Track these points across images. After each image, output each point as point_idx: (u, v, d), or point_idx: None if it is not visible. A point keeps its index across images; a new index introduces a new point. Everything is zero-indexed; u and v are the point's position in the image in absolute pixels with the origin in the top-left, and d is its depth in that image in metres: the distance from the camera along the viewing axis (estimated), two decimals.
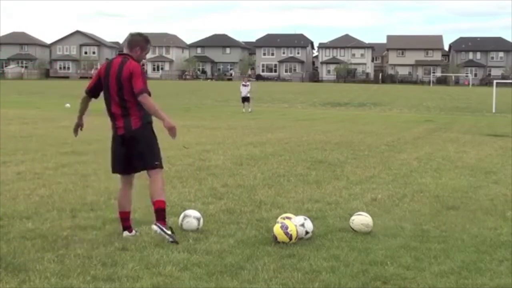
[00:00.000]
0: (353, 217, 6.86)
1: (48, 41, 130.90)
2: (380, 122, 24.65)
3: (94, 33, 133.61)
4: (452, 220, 7.41)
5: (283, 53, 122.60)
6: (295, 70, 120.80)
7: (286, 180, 10.08)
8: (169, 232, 6.11)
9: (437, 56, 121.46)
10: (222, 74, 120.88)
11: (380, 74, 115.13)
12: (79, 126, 6.57)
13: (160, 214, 6.24)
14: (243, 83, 31.87)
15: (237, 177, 10.18)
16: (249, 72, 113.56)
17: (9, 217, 7.05)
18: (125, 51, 6.37)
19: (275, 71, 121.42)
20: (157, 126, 6.36)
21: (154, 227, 6.17)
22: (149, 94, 6.10)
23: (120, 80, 6.12)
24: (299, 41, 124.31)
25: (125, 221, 6.44)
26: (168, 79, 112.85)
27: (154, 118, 6.26)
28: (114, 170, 6.48)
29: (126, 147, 6.24)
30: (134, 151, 6.22)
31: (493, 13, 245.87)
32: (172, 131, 6.20)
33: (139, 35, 6.42)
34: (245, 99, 30.81)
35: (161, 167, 6.36)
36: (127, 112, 6.15)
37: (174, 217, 7.12)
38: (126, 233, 6.37)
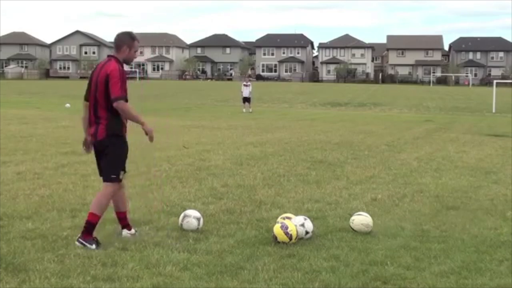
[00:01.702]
0: (353, 217, 6.86)
1: (48, 41, 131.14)
2: (380, 122, 24.64)
3: (94, 33, 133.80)
4: (452, 220, 7.41)
5: (283, 53, 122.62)
6: (295, 70, 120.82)
7: (286, 180, 10.08)
8: (93, 247, 5.83)
9: (437, 56, 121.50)
10: (222, 74, 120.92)
11: (380, 74, 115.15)
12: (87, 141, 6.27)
13: (88, 227, 5.96)
14: (244, 83, 31.82)
15: (237, 177, 10.18)
16: (249, 72, 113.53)
17: (9, 217, 7.05)
18: (113, 52, 6.19)
19: (275, 71, 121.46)
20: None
21: (77, 243, 5.91)
22: (126, 100, 5.91)
23: (96, 82, 5.96)
24: (299, 41, 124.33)
25: (121, 221, 6.40)
26: (168, 79, 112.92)
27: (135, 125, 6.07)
28: (99, 173, 6.33)
29: (96, 153, 6.17)
30: (100, 159, 6.14)
31: (493, 13, 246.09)
32: (150, 134, 6.13)
33: (124, 33, 6.22)
34: (246, 99, 30.78)
35: (117, 180, 6.06)
36: (97, 120, 5.99)
37: (174, 217, 7.13)
38: (125, 231, 6.35)
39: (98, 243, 5.93)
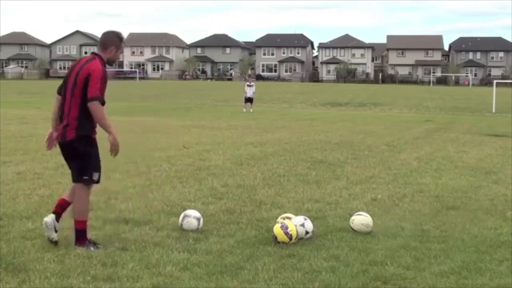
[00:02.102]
0: (353, 217, 6.86)
1: (48, 41, 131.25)
2: (380, 122, 24.64)
3: (94, 33, 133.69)
4: (452, 220, 7.41)
5: (283, 53, 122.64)
6: (295, 70, 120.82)
7: (286, 180, 10.08)
8: (92, 249, 5.80)
9: (437, 56, 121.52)
10: (222, 74, 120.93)
11: (380, 74, 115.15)
12: None
13: (79, 234, 5.90)
14: (248, 83, 31.76)
15: (237, 177, 10.17)
16: (249, 72, 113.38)
17: (9, 217, 7.05)
18: (97, 51, 5.99)
19: (275, 71, 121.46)
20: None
21: (77, 250, 5.79)
22: (103, 103, 5.73)
23: (76, 78, 5.76)
24: (299, 41, 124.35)
25: (57, 207, 6.02)
26: (168, 79, 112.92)
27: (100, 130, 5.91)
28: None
29: (64, 154, 6.00)
30: (69, 160, 5.97)
31: (493, 13, 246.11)
32: (114, 147, 5.76)
33: (113, 32, 6.06)
34: (249, 100, 30.73)
35: (90, 182, 5.90)
36: (68, 118, 5.79)
37: (174, 217, 7.13)
38: (51, 216, 5.92)
39: (95, 244, 5.90)
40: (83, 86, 5.72)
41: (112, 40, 5.98)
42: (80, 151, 5.83)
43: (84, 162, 5.87)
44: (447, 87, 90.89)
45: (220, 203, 8.11)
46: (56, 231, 5.95)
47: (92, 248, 5.82)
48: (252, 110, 29.90)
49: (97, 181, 5.98)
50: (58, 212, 6.02)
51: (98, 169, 5.94)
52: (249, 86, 31.31)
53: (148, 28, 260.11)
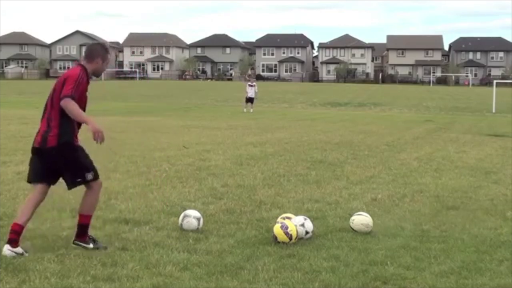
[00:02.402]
0: (353, 217, 6.86)
1: (48, 41, 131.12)
2: (380, 122, 24.64)
3: (94, 33, 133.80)
4: (452, 220, 7.41)
5: (283, 53, 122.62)
6: (295, 70, 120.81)
7: (286, 180, 10.08)
8: (90, 246, 5.82)
9: (437, 56, 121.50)
10: (222, 74, 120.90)
11: (380, 74, 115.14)
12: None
13: (83, 229, 5.88)
14: (250, 83, 31.77)
15: (237, 177, 10.17)
16: (249, 72, 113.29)
17: (9, 217, 7.04)
18: (82, 62, 5.89)
19: (275, 71, 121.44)
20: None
21: (73, 245, 5.82)
22: (73, 98, 5.56)
23: (55, 87, 5.73)
24: (299, 41, 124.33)
25: (13, 234, 5.69)
26: (168, 79, 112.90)
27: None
28: (30, 179, 5.93)
29: (41, 160, 5.79)
30: (53, 166, 5.78)
31: (493, 13, 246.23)
32: (98, 134, 5.62)
33: (99, 44, 6.02)
34: (250, 100, 30.74)
35: (84, 183, 5.82)
36: (48, 126, 5.70)
37: (174, 217, 7.13)
38: (7, 246, 5.62)
39: (94, 241, 5.90)
40: (59, 91, 5.64)
41: (98, 52, 5.91)
42: (64, 159, 5.73)
43: (72, 167, 5.78)
44: (447, 87, 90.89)
45: (220, 203, 8.11)
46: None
47: (91, 245, 5.82)
48: (252, 110, 29.90)
49: (93, 179, 5.87)
50: (13, 238, 5.68)
51: (89, 168, 5.85)
52: (251, 86, 31.31)
53: (148, 28, 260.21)
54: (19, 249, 5.62)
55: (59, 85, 5.70)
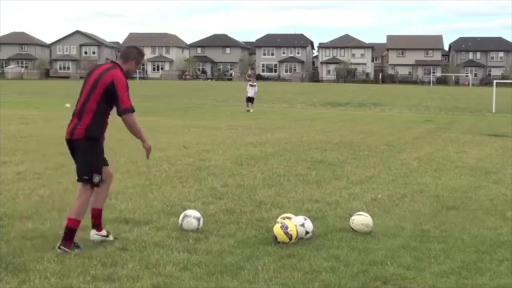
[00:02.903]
0: (353, 217, 6.86)
1: (48, 41, 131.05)
2: (380, 122, 24.63)
3: (94, 33, 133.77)
4: (452, 220, 7.41)
5: (283, 53, 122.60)
6: (295, 70, 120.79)
7: (286, 180, 10.08)
8: (75, 251, 5.74)
9: (437, 56, 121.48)
10: (222, 74, 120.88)
11: (380, 74, 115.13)
12: None
13: (67, 233, 5.84)
14: (250, 83, 31.81)
15: (237, 177, 10.17)
16: (249, 72, 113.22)
17: (9, 217, 7.05)
18: (118, 61, 6.16)
19: (275, 71, 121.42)
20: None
21: (58, 250, 5.74)
22: (133, 110, 5.97)
23: (97, 81, 5.90)
24: (299, 41, 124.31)
25: (94, 219, 6.17)
26: (168, 79, 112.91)
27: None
28: None
29: (71, 151, 6.10)
30: (75, 157, 6.08)
31: (493, 13, 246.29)
32: (149, 152, 6.19)
33: (136, 48, 6.32)
34: (250, 99, 30.76)
35: (89, 183, 5.91)
36: (79, 120, 5.93)
37: (174, 217, 7.13)
38: (93, 231, 6.13)
39: (78, 246, 5.83)
40: (104, 91, 5.87)
41: (134, 54, 6.22)
42: (84, 151, 5.92)
43: (87, 162, 5.93)
44: (447, 87, 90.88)
45: (220, 203, 8.11)
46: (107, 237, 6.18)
47: (76, 251, 5.73)
48: (252, 110, 29.90)
49: (97, 184, 5.95)
50: (96, 223, 6.19)
51: (99, 172, 5.96)
52: (252, 86, 31.35)
53: (148, 28, 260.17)
54: (103, 232, 6.14)
55: (103, 84, 5.88)
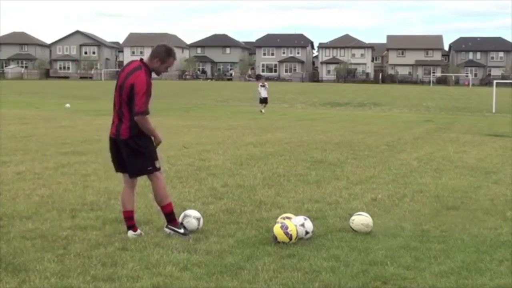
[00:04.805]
0: (353, 217, 6.86)
1: (48, 41, 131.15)
2: (380, 122, 24.63)
3: (94, 33, 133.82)
4: (452, 220, 7.41)
5: (283, 53, 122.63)
6: (295, 70, 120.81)
7: (286, 180, 10.08)
8: (181, 231, 6.37)
9: (437, 56, 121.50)
10: (222, 74, 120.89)
11: (380, 74, 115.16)
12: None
13: (168, 216, 6.46)
14: (261, 84, 31.86)
15: (237, 177, 10.17)
16: (249, 72, 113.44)
17: (9, 217, 7.05)
18: (147, 58, 6.30)
19: (275, 71, 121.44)
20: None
21: (166, 229, 6.43)
22: (147, 113, 6.13)
23: (123, 85, 6.14)
24: (299, 41, 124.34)
25: (128, 220, 6.44)
26: (168, 79, 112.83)
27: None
28: (115, 169, 6.61)
29: (117, 149, 6.36)
30: (123, 155, 6.32)
31: (493, 13, 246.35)
32: (157, 144, 6.41)
33: (164, 46, 6.34)
34: (264, 100, 30.75)
35: (155, 170, 6.37)
36: (120, 120, 6.23)
37: None
38: (130, 232, 6.36)
39: (185, 228, 6.40)
40: (128, 95, 6.09)
41: (159, 52, 6.24)
42: (136, 149, 6.21)
43: (144, 157, 6.25)
44: (447, 87, 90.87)
45: (220, 203, 8.11)
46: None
47: (182, 230, 6.33)
48: (263, 110, 29.71)
49: (159, 168, 6.38)
50: (130, 225, 6.43)
51: (157, 157, 6.35)
52: (263, 86, 31.40)
53: (148, 28, 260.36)
54: (138, 231, 6.38)
55: (125, 89, 6.09)
